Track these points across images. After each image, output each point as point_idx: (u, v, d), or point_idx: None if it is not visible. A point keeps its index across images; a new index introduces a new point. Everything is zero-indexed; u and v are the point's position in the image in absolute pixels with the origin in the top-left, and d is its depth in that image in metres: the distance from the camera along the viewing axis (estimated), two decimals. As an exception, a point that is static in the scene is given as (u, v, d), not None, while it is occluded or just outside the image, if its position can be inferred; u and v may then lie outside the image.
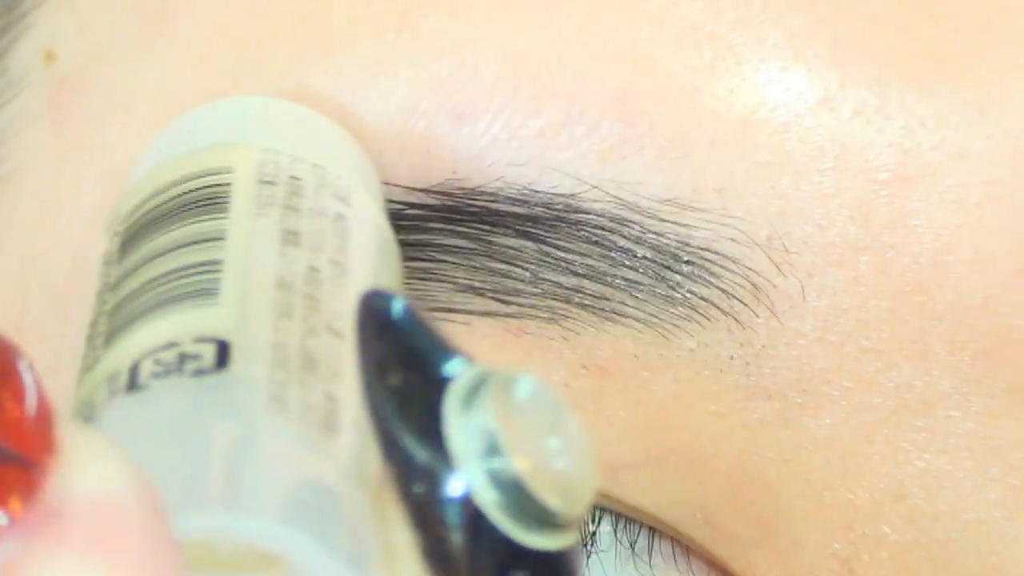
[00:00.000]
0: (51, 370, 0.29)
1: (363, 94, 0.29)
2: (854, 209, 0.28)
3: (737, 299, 0.28)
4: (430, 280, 0.29)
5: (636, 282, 0.28)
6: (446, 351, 0.24)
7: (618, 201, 0.28)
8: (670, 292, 0.28)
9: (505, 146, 0.28)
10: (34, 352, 0.23)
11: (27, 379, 0.21)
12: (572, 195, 0.28)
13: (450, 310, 0.29)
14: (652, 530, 0.30)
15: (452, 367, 0.24)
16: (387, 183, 0.29)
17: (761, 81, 0.28)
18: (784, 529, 0.29)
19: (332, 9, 0.29)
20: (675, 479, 0.29)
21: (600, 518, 0.30)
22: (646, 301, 0.28)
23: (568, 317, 0.28)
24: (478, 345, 0.28)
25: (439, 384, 0.23)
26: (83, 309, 0.27)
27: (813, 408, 0.28)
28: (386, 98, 0.29)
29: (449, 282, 0.29)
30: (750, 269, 0.28)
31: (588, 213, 0.28)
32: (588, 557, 0.30)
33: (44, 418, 0.21)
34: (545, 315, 0.28)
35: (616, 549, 0.30)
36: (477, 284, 0.29)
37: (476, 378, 0.23)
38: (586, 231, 0.28)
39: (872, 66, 0.28)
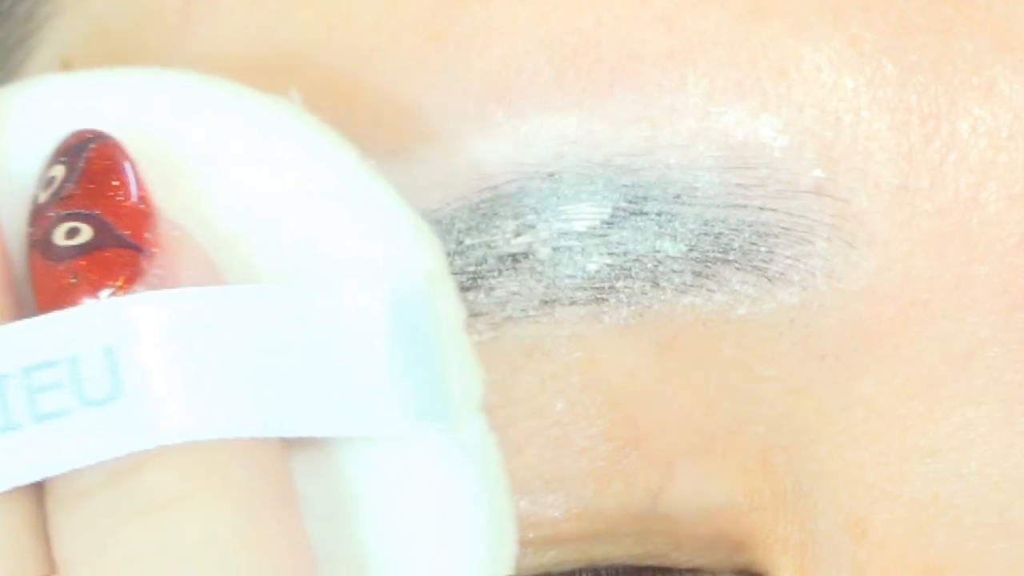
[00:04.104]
0: None
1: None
2: (892, 151, 0.28)
3: (794, 258, 0.28)
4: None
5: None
6: None
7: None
8: (737, 257, 0.28)
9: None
10: None
11: (132, 175, 0.26)
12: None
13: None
14: None
15: None
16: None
17: (798, 38, 0.28)
18: (809, 491, 0.29)
19: (363, 11, 0.30)
20: (721, 461, 0.29)
21: None
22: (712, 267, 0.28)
23: (645, 294, 0.29)
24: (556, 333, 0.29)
25: None
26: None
27: (861, 367, 0.28)
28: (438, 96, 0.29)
29: None
30: (803, 219, 0.28)
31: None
32: None
33: (149, 212, 0.25)
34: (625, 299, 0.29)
35: None
36: None
37: None
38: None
39: (895, 10, 0.28)
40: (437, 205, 0.29)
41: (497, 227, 0.29)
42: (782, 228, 0.28)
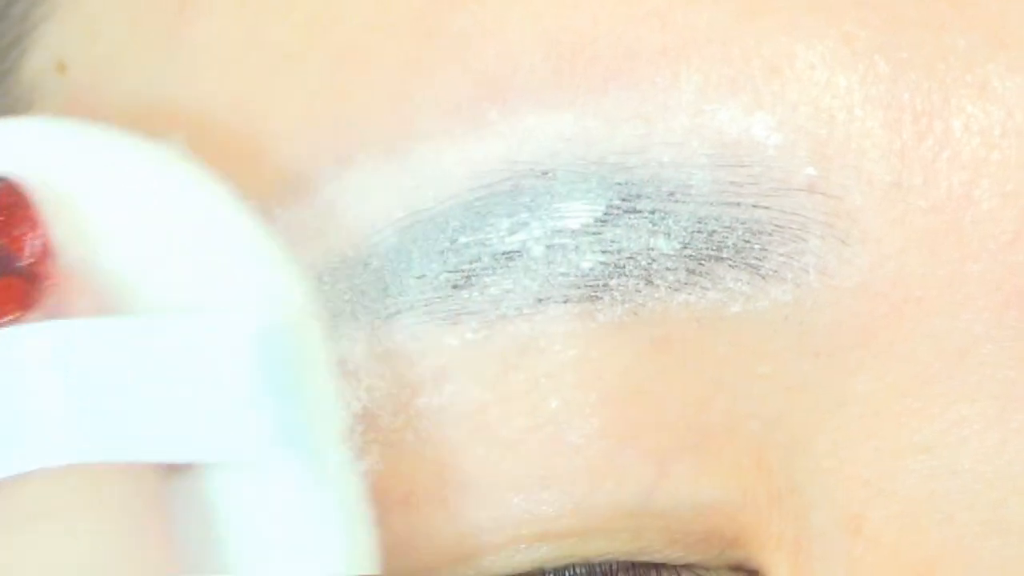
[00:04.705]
0: None
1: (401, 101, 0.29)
2: (885, 148, 0.28)
3: (787, 256, 0.28)
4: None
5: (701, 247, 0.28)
6: None
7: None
8: (731, 255, 0.29)
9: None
10: None
11: (35, 214, 0.27)
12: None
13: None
14: None
15: None
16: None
17: (791, 35, 0.29)
18: (803, 488, 0.29)
19: (358, 9, 0.30)
20: (715, 458, 0.29)
21: None
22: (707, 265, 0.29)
23: (639, 291, 0.29)
24: (551, 331, 0.29)
25: None
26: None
27: (855, 364, 0.28)
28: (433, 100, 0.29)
29: None
30: (797, 216, 0.28)
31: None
32: None
33: (49, 247, 0.27)
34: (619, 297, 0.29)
35: None
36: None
37: None
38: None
39: (889, 7, 0.28)
40: (431, 203, 0.29)
41: (491, 225, 0.29)
42: (775, 226, 0.28)
